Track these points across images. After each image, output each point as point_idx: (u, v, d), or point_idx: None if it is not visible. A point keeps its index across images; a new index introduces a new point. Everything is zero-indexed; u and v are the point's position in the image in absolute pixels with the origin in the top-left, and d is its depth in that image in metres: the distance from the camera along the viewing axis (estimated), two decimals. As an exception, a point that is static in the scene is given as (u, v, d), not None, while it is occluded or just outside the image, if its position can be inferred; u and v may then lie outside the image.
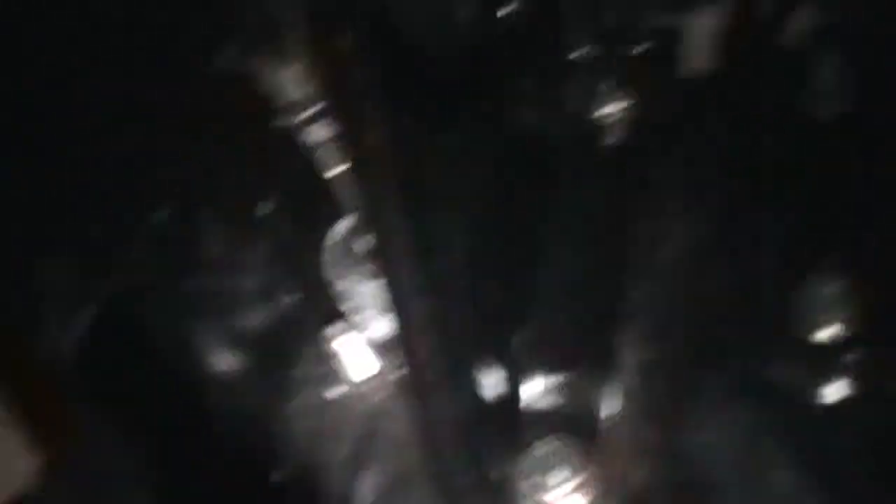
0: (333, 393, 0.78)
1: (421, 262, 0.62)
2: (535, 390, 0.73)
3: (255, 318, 0.79)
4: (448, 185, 0.65)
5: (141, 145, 0.63)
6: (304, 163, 0.74)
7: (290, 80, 0.67)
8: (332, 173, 0.73)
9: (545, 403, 0.73)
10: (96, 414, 0.62)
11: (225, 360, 0.76)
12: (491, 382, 0.70)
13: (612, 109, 0.84)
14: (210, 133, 0.70)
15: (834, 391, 0.76)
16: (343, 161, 0.72)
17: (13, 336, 0.58)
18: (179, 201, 0.69)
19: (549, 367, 0.73)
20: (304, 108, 0.69)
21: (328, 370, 0.78)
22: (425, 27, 0.66)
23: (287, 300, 0.81)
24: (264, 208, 0.78)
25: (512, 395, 0.72)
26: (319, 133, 0.71)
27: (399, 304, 0.63)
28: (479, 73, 0.71)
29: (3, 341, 0.58)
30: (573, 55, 0.84)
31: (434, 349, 0.63)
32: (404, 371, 0.68)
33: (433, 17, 0.67)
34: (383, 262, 0.63)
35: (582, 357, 0.74)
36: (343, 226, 0.80)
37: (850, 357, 0.76)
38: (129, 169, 0.63)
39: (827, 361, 0.76)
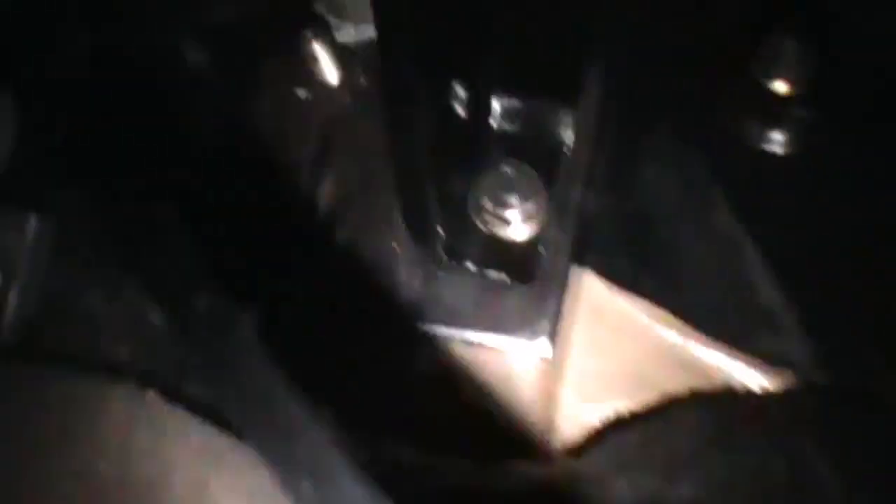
0: (301, 93, 0.79)
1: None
2: (500, 113, 0.75)
3: (227, 13, 0.79)
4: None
5: None
6: None
7: None
8: None
9: (508, 126, 0.75)
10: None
11: (197, 54, 0.76)
12: (459, 100, 0.71)
13: None
14: None
15: (780, 142, 0.79)
16: None
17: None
18: None
19: (515, 92, 0.75)
20: None
21: (298, 70, 0.79)
22: None
23: (261, -3, 0.81)
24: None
25: (478, 114, 0.73)
26: None
27: (382, 9, 0.63)
28: None
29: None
30: None
31: (410, 59, 0.64)
32: (377, 78, 0.68)
33: None
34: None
35: (546, 85, 0.75)
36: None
37: (799, 112, 0.78)
38: None
39: (777, 112, 0.79)
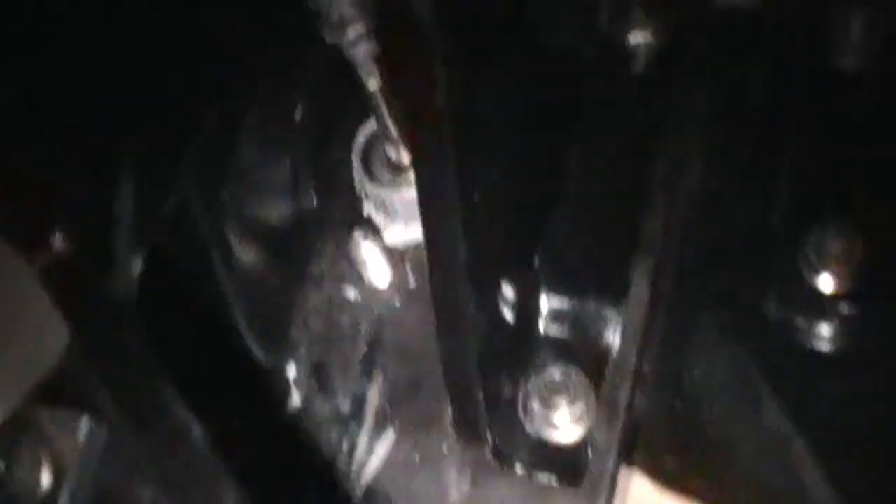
0: (351, 293, 0.80)
1: (457, 180, 0.62)
2: (548, 315, 0.75)
3: (278, 214, 0.80)
4: (489, 117, 0.66)
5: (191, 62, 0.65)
6: (338, 70, 0.74)
7: (344, 1, 0.69)
8: (371, 88, 0.74)
9: (556, 328, 0.75)
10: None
11: (249, 252, 0.77)
12: (508, 303, 0.72)
13: (641, 37, 0.84)
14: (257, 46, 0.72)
15: (828, 338, 0.78)
16: (383, 79, 0.73)
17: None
18: (222, 112, 0.70)
19: (562, 293, 0.75)
20: (351, 27, 0.70)
21: (347, 270, 0.80)
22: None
23: (311, 198, 0.82)
24: (298, 112, 0.79)
25: (527, 318, 0.74)
26: (363, 51, 0.72)
27: (431, 217, 0.64)
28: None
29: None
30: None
31: (459, 263, 0.65)
32: (427, 279, 0.69)
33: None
34: (420, 174, 0.64)
35: (594, 285, 0.76)
36: (369, 131, 0.81)
37: (846, 309, 0.78)
38: (180, 84, 0.65)
39: (824, 310, 0.78)
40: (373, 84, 0.74)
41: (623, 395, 0.73)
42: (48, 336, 0.65)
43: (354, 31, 0.70)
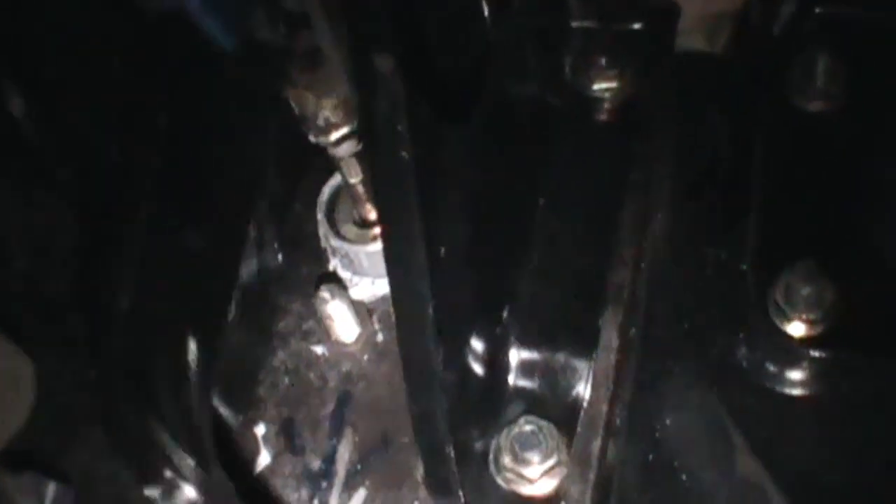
0: (318, 350, 0.79)
1: (424, 235, 0.62)
2: (518, 368, 0.75)
3: (243, 271, 0.80)
4: (455, 171, 0.66)
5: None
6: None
7: (328, 107, 0.70)
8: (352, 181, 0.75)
9: (526, 382, 0.75)
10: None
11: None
12: (477, 357, 0.71)
13: (606, 84, 0.84)
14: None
15: (799, 383, 0.78)
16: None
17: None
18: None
19: (532, 346, 0.75)
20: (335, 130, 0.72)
21: (313, 327, 0.80)
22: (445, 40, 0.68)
23: (275, 255, 0.82)
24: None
25: (497, 371, 0.73)
26: (345, 149, 0.74)
27: (398, 273, 0.64)
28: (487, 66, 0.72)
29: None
30: (574, 24, 0.85)
31: (428, 320, 0.64)
32: (395, 334, 0.69)
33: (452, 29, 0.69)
34: (387, 231, 0.63)
35: (563, 337, 0.75)
36: (333, 187, 0.81)
37: (817, 353, 0.78)
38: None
39: (795, 355, 0.78)
40: (354, 178, 0.75)
41: (595, 447, 0.73)
42: (12, 400, 0.64)
43: (338, 133, 0.72)
